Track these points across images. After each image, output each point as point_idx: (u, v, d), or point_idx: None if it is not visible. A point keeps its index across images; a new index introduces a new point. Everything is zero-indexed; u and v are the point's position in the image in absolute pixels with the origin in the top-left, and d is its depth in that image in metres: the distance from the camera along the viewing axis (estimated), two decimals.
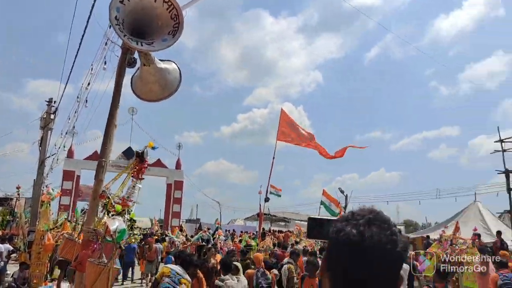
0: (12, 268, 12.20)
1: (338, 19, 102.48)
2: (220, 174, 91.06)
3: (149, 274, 13.06)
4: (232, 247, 12.65)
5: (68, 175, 30.91)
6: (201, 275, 6.82)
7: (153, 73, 4.21)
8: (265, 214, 18.07)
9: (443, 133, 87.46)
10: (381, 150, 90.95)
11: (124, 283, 14.24)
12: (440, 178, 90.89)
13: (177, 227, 23.98)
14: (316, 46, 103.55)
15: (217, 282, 6.00)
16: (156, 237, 16.96)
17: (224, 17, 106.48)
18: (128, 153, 30.52)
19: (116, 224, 3.17)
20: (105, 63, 7.34)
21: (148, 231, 23.27)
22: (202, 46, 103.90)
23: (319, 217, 1.40)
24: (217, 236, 13.86)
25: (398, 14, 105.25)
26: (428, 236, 18.75)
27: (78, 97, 12.79)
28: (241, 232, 25.33)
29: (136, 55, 4.18)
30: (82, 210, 6.55)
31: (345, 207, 15.14)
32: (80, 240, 4.14)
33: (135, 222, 3.89)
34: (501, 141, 21.53)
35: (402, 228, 35.25)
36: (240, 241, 16.90)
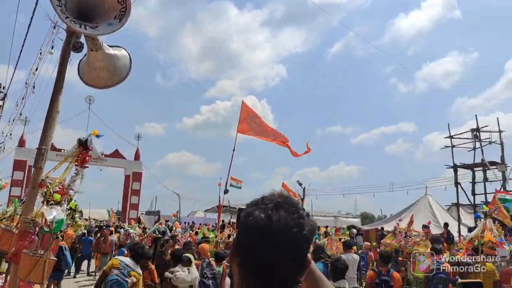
0: None
1: (303, 14, 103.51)
2: (182, 166, 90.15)
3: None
4: (189, 239, 12.57)
5: (19, 165, 29.47)
6: (152, 267, 6.72)
7: (101, 59, 4.05)
8: (224, 206, 18.07)
9: (400, 128, 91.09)
10: (341, 144, 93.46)
11: (77, 276, 13.83)
12: (396, 172, 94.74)
13: (133, 219, 23.55)
14: (281, 40, 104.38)
15: (167, 274, 5.93)
16: (112, 229, 16.55)
17: (188, 6, 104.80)
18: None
19: (53, 213, 3.04)
20: (52, 47, 6.99)
21: (105, 223, 22.71)
22: (165, 35, 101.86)
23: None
24: (174, 228, 13.71)
25: (361, 12, 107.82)
26: (382, 228, 19.43)
27: (26, 82, 12.15)
28: (200, 224, 25.23)
29: (83, 40, 4.00)
30: (20, 200, 6.25)
31: (302, 199, 15.40)
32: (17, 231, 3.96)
33: (76, 212, 3.74)
34: (451, 137, 22.65)
35: (358, 220, 36.41)
36: (197, 233, 16.82)
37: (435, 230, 17.24)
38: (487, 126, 21.77)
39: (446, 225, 16.46)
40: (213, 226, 22.14)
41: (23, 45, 9.49)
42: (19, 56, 10.83)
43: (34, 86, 11.16)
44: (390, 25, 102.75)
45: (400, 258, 10.87)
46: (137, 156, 34.22)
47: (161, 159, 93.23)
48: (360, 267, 8.91)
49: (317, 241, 14.12)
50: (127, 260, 5.32)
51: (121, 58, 4.25)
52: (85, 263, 14.42)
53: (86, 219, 26.72)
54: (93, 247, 14.24)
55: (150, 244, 11.69)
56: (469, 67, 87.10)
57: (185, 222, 28.03)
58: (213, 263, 6.49)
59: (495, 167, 20.91)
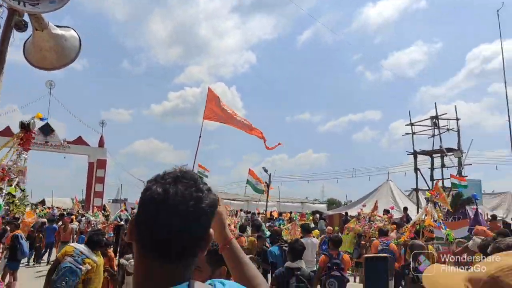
0: None
1: (273, 0, 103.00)
2: (150, 153, 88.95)
3: None
4: None
5: None
6: (112, 254, 6.63)
7: (47, 39, 3.86)
8: None
9: (367, 116, 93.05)
10: (309, 132, 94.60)
11: (36, 265, 13.46)
12: (362, 159, 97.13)
13: (98, 207, 23.02)
14: (250, 26, 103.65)
15: (122, 260, 5.87)
16: (73, 217, 16.16)
17: None
18: (44, 129, 28.43)
19: None
20: None
21: (68, 211, 22.09)
22: (132, 19, 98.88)
23: None
24: None
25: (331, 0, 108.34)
26: (346, 213, 19.92)
27: None
28: None
29: (27, 19, 3.82)
30: None
31: (268, 186, 15.55)
32: None
33: (14, 197, 3.60)
34: (411, 124, 23.41)
35: (324, 206, 37.23)
36: None
37: (395, 214, 17.91)
38: (445, 114, 22.64)
39: (405, 209, 17.14)
40: None
41: None
42: None
43: None
44: (358, 14, 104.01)
45: (362, 242, 11.25)
46: (101, 143, 33.31)
47: (128, 146, 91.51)
48: (322, 251, 9.15)
49: (281, 226, 14.43)
50: (82, 247, 5.19)
51: (69, 39, 4.07)
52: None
53: (48, 208, 25.95)
54: (55, 235, 13.91)
55: (112, 232, 11.53)
56: (434, 57, 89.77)
57: None
58: None
59: (451, 153, 21.83)
